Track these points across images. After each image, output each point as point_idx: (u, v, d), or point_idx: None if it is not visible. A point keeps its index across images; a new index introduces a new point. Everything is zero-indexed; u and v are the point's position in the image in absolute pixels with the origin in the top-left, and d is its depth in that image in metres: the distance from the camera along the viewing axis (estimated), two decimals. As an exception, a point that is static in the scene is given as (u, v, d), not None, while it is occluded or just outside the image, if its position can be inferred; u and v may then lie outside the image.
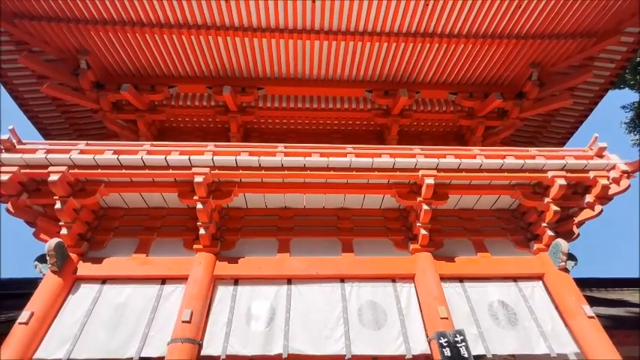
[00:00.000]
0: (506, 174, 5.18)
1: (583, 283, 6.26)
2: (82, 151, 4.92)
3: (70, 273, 4.93)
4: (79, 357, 4.26)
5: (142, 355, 4.30)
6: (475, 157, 5.21)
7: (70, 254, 5.02)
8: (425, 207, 5.12)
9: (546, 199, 5.23)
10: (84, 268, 5.02)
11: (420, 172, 5.06)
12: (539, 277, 5.26)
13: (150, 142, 5.41)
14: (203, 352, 4.38)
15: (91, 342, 4.37)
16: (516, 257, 5.46)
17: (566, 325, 4.73)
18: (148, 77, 6.69)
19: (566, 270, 5.16)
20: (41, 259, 5.03)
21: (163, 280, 5.07)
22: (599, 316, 4.84)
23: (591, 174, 5.09)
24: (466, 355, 4.09)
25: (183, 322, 4.38)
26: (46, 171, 4.71)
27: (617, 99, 10.03)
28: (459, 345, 4.19)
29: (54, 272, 4.81)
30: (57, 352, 4.27)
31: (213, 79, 6.73)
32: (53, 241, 4.78)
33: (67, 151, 4.86)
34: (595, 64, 6.56)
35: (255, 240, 5.54)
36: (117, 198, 5.56)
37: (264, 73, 6.71)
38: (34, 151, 4.84)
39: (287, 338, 4.48)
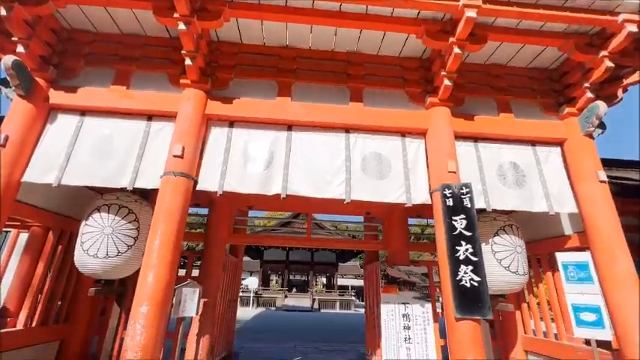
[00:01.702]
0: (568, 13, 4.10)
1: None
2: None
3: (42, 100, 4.34)
4: (70, 183, 4.12)
5: (135, 186, 4.17)
6: (533, -12, 4.02)
7: (37, 79, 4.34)
8: (456, 50, 4.23)
9: (602, 53, 4.34)
10: (57, 97, 4.42)
11: (461, 2, 3.96)
12: (559, 143, 4.88)
13: None
14: (198, 187, 4.26)
15: (79, 170, 4.16)
16: (540, 121, 4.94)
17: (574, 189, 4.61)
18: None
19: (591, 137, 4.74)
20: (4, 82, 4.40)
21: (149, 117, 4.57)
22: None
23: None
24: (469, 206, 4.01)
25: (174, 156, 4.08)
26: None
27: None
28: (463, 196, 4.07)
29: (21, 96, 4.21)
30: (46, 178, 4.10)
31: None
32: (9, 58, 4.00)
33: None
34: None
35: (251, 81, 4.81)
36: (80, 17, 4.51)
37: None
38: None
39: (286, 180, 4.32)
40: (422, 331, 5.57)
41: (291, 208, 6.82)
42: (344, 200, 4.31)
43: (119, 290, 4.87)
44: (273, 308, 24.98)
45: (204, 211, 6.66)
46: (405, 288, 5.88)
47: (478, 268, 3.74)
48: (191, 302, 5.15)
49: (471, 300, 3.64)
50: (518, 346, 5.68)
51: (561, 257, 4.27)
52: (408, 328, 5.59)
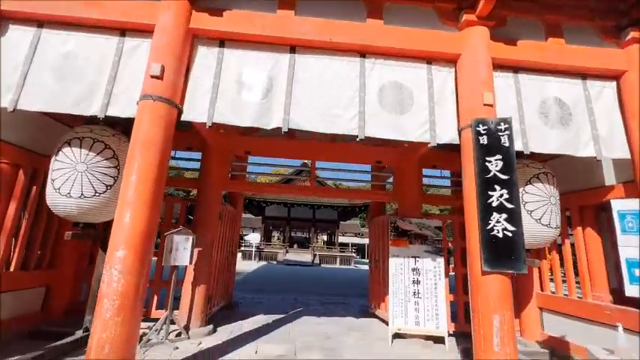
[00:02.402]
0: None
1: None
2: None
3: (-12, 6, 3.51)
4: (30, 108, 3.44)
5: (108, 114, 3.49)
6: None
7: (-22, -22, 3.47)
8: (507, -54, 3.29)
9: (694, -47, 3.38)
10: (6, 3, 3.57)
11: None
12: (615, 76, 4.07)
13: None
14: (184, 118, 3.58)
15: (40, 93, 3.45)
16: (596, 48, 4.08)
17: (627, 132, 3.90)
18: None
19: (656, 68, 3.93)
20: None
21: (123, 32, 3.74)
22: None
23: None
24: (507, 144, 3.34)
25: (152, 77, 3.35)
26: None
27: None
28: (500, 133, 3.38)
29: (-41, -2, 3.38)
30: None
31: None
32: None
33: None
34: None
35: (246, -11, 3.91)
36: None
37: None
38: None
39: (288, 112, 3.61)
40: (432, 285, 5.21)
41: (293, 155, 6.18)
42: (357, 137, 3.63)
43: (100, 235, 4.42)
44: (275, 262, 25.51)
45: (198, 155, 6.03)
46: (416, 241, 5.43)
47: (513, 217, 3.17)
48: (184, 251, 4.74)
49: (503, 252, 3.12)
50: (533, 303, 5.35)
51: (618, 205, 3.69)
52: (418, 282, 5.22)
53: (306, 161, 21.68)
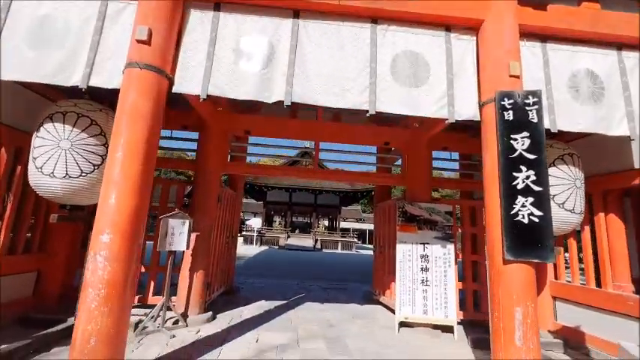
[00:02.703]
0: None
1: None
2: None
3: (-48, -40, 3.11)
4: (4, 77, 3.08)
5: (91, 84, 3.14)
6: None
7: None
8: None
9: None
10: (-27, -43, 3.17)
11: None
12: (655, 46, 3.67)
13: None
14: (175, 89, 3.23)
15: (14, 61, 3.09)
16: (635, 15, 3.66)
17: (666, 106, 3.54)
18: None
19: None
20: None
21: (105, -7, 3.35)
22: None
23: None
24: (535, 120, 3.00)
25: (138, 41, 2.99)
26: None
27: None
28: (528, 108, 3.03)
29: None
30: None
31: None
32: None
33: None
34: None
35: (243, -56, 3.47)
36: None
37: None
38: None
39: (290, 83, 3.25)
40: (441, 273, 4.97)
41: (295, 135, 5.82)
42: (367, 113, 3.28)
43: (88, 218, 4.15)
44: (276, 247, 25.53)
45: (195, 135, 5.69)
46: (425, 227, 5.16)
47: (541, 201, 2.87)
48: (180, 235, 4.48)
49: (529, 239, 2.83)
50: (546, 292, 5.12)
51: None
52: (426, 269, 4.98)
53: (307, 145, 21.30)
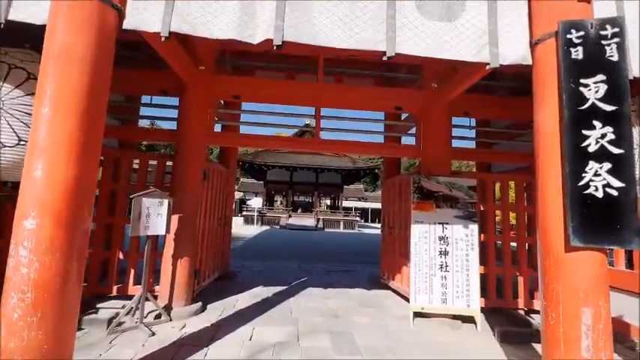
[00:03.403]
0: None
1: None
2: None
3: None
4: None
5: (11, 18, 2.34)
6: None
7: None
8: None
9: None
10: None
11: None
12: None
13: None
14: (127, 25, 2.42)
15: None
16: None
17: None
18: None
19: None
20: None
21: None
22: None
23: None
24: (615, 58, 2.20)
25: (68, -47, 2.16)
26: None
27: None
28: (605, 42, 2.22)
29: None
30: None
31: None
32: None
33: None
34: None
35: None
36: None
37: None
38: None
39: (282, 18, 2.43)
40: (463, 257, 4.31)
41: (293, 101, 5.01)
42: (385, 54, 2.48)
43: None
44: (278, 227, 25.13)
45: (175, 101, 4.90)
46: (445, 204, 4.45)
47: (622, 167, 2.12)
48: (157, 217, 3.79)
49: (603, 219, 2.11)
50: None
51: None
52: (446, 253, 4.32)
53: (307, 122, 20.31)
